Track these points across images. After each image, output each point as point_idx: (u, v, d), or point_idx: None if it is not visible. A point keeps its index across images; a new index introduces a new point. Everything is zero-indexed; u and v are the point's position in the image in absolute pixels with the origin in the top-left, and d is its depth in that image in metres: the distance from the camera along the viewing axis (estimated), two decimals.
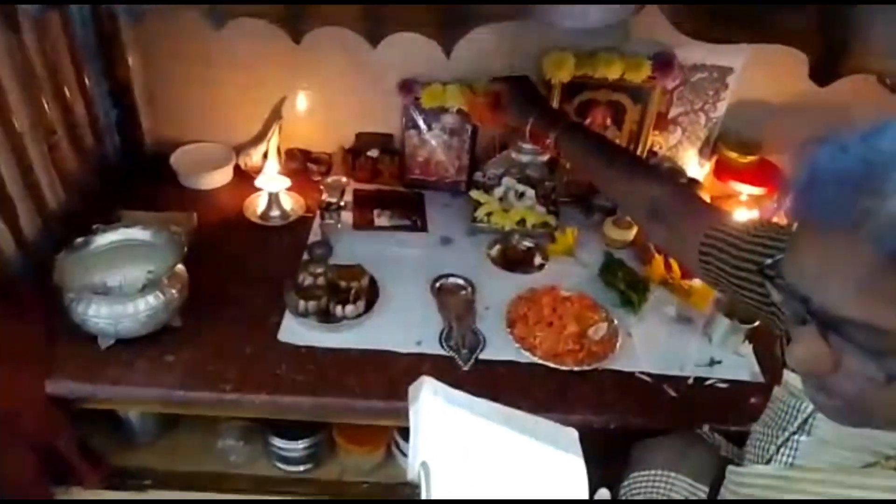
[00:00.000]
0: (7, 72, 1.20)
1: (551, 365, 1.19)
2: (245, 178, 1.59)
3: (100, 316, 1.10)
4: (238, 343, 1.20)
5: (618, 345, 1.24)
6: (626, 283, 1.39)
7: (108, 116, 1.60)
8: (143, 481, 1.31)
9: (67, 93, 1.38)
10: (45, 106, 1.30)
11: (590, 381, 1.19)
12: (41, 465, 1.11)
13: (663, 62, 1.47)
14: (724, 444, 1.02)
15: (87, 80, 1.47)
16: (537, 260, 1.46)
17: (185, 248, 1.19)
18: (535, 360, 1.20)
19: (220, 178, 1.60)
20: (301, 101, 1.61)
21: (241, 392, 1.13)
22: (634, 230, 1.52)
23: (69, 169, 1.42)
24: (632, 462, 1.05)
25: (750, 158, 1.57)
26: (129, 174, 1.61)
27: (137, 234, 1.21)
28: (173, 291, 1.16)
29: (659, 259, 1.45)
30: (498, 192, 1.52)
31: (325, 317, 1.22)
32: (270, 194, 1.49)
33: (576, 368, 1.20)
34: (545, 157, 1.46)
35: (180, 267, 1.21)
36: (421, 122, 1.53)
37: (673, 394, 1.19)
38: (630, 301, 1.36)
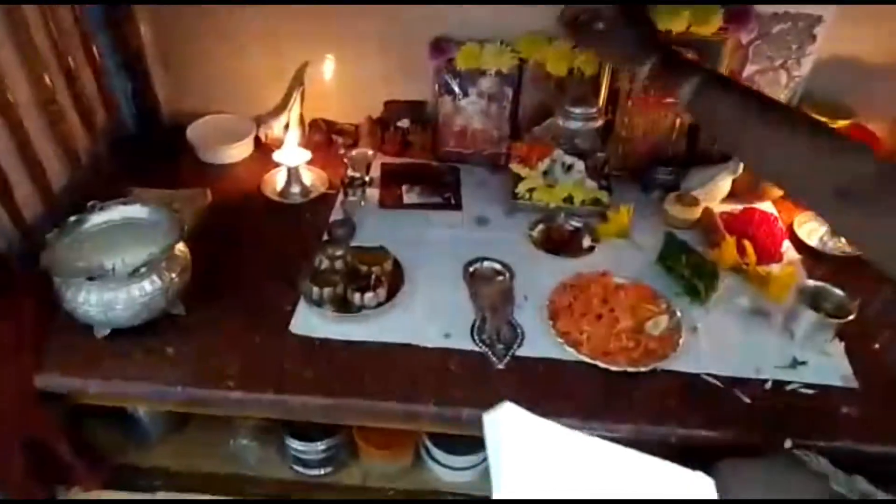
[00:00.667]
0: (6, 42, 1.10)
1: (600, 364, 1.03)
2: (266, 152, 1.47)
3: (90, 303, 0.99)
4: (246, 334, 1.09)
5: (680, 342, 1.07)
6: (691, 270, 1.21)
7: (122, 88, 1.50)
8: (153, 482, 1.22)
9: (72, 63, 1.28)
10: (46, 78, 1.19)
11: (646, 385, 1.02)
12: (33, 463, 1.02)
13: (738, 11, 1.27)
14: (832, 474, 0.82)
15: (95, 50, 1.36)
16: (586, 242, 1.29)
17: (185, 228, 1.07)
18: (582, 358, 1.04)
19: (238, 151, 1.50)
20: (325, 68, 1.49)
21: (246, 390, 1.00)
22: (701, 208, 1.33)
23: (76, 144, 1.32)
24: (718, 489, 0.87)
25: (840, 124, 1.34)
26: (145, 148, 1.52)
27: (136, 212, 1.10)
28: (172, 275, 1.05)
29: (731, 241, 1.25)
30: (542, 164, 1.34)
31: (343, 306, 1.11)
32: (290, 169, 1.37)
33: (630, 369, 1.03)
34: (598, 124, 1.28)
35: (181, 248, 1.10)
36: (456, 88, 1.41)
37: (747, 400, 1.01)
38: (696, 290, 1.18)
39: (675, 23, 1.27)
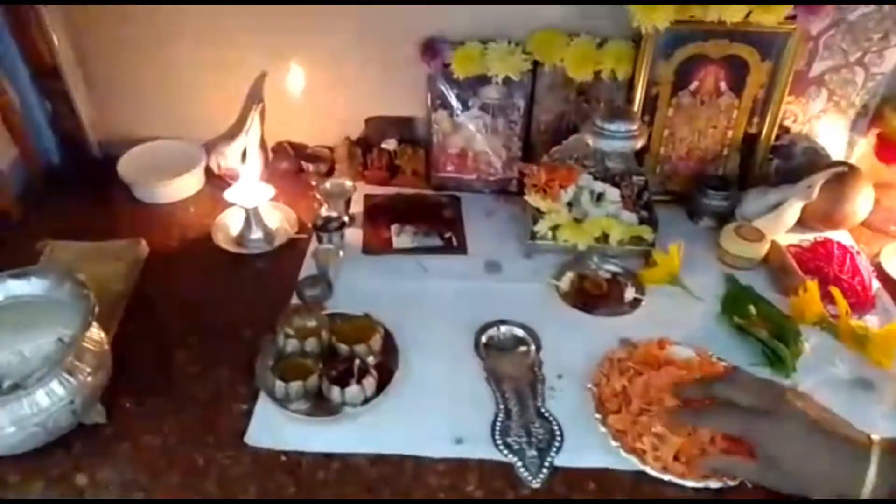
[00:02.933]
0: None
1: (681, 482, 0.75)
2: (218, 186, 1.22)
3: None
4: (184, 451, 0.82)
5: None
6: (767, 328, 0.95)
7: (36, 113, 1.21)
8: None
9: None
10: None
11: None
12: None
13: None
14: None
15: None
16: (629, 294, 1.03)
17: (95, 309, 0.79)
18: (649, 470, 0.76)
19: (184, 186, 1.23)
20: (290, 78, 1.23)
21: None
22: (766, 243, 1.06)
23: None
24: None
25: None
26: (68, 187, 1.26)
27: (29, 288, 0.82)
28: (83, 376, 0.78)
29: (813, 286, 0.99)
30: (566, 193, 1.07)
31: (318, 404, 0.85)
32: (248, 211, 1.08)
33: (713, 484, 0.75)
34: (638, 144, 1.02)
35: (97, 334, 0.82)
36: (453, 99, 1.17)
37: None
38: (778, 357, 0.92)
39: (732, 11, 1.02)
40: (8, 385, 0.70)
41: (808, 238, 1.13)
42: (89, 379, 0.78)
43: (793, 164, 1.19)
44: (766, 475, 0.71)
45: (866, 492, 0.64)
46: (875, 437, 0.68)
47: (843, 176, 1.10)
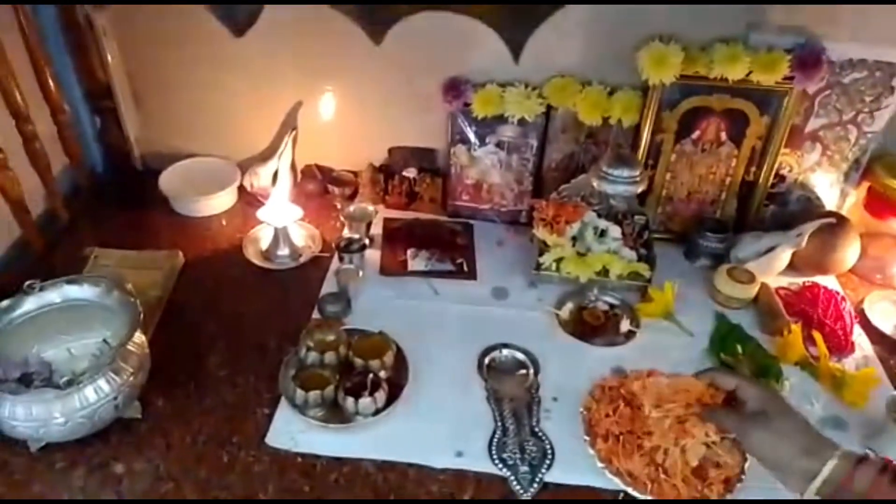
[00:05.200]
0: None
1: (652, 499, 0.82)
2: (251, 203, 1.31)
3: (16, 418, 0.79)
4: (211, 447, 0.90)
5: (746, 466, 0.85)
6: (750, 366, 1.02)
7: (85, 127, 1.31)
8: None
9: (20, 98, 1.08)
10: None
11: None
12: None
13: (807, 57, 1.08)
14: None
15: (51, 82, 1.16)
16: (624, 325, 1.10)
17: (141, 316, 0.87)
18: (630, 490, 0.83)
19: (219, 202, 1.32)
20: (322, 106, 1.31)
21: None
22: (757, 285, 1.13)
23: (20, 194, 1.11)
24: None
25: None
26: (112, 198, 1.35)
27: (82, 293, 0.91)
28: (125, 377, 0.85)
29: (797, 330, 1.05)
30: (571, 229, 1.15)
31: (333, 412, 0.93)
32: (277, 229, 1.17)
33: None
34: (639, 189, 1.09)
35: (138, 339, 0.89)
36: (471, 135, 1.25)
37: None
38: None
39: (734, 69, 1.09)
40: (64, 380, 0.78)
41: (797, 282, 1.20)
42: (131, 378, 0.87)
43: (787, 210, 1.26)
44: (748, 431, 0.76)
45: (814, 486, 0.70)
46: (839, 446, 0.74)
47: (834, 226, 1.16)
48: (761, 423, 0.76)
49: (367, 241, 1.19)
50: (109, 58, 1.25)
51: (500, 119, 1.21)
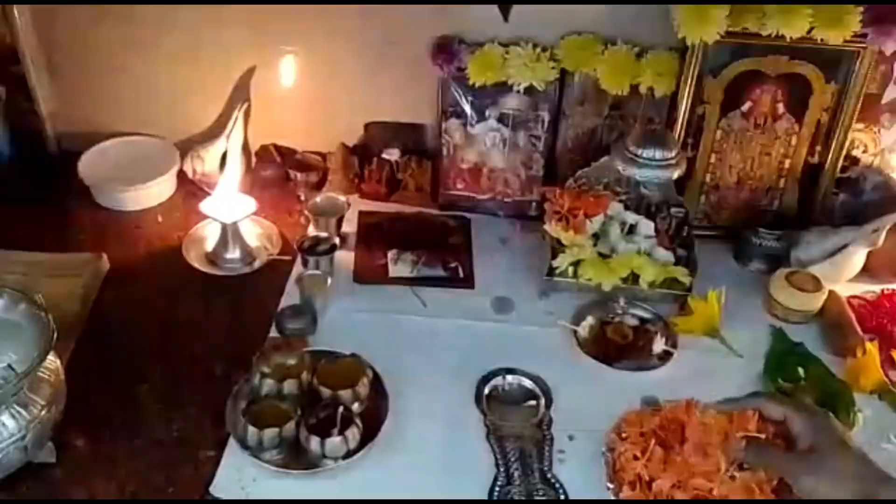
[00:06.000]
0: None
1: None
2: (193, 193, 1.33)
3: None
4: (142, 499, 0.90)
5: None
6: (815, 394, 1.04)
7: None
8: None
9: None
10: None
11: None
12: None
13: (884, 8, 1.08)
14: None
15: None
16: (658, 346, 1.11)
17: (55, 336, 0.87)
18: None
19: (154, 193, 1.34)
20: (281, 74, 1.34)
21: None
22: (823, 294, 1.16)
23: None
24: None
25: None
26: (20, 187, 1.36)
27: None
28: (36, 409, 0.86)
29: (873, 349, 1.06)
30: (592, 224, 1.17)
31: (294, 454, 0.94)
32: (226, 226, 1.18)
33: None
34: (675, 174, 1.11)
35: (52, 362, 0.91)
36: (467, 107, 1.27)
37: None
38: None
39: (793, 25, 1.10)
40: None
41: (873, 290, 1.21)
42: (43, 413, 0.87)
43: (861, 200, 1.28)
44: (798, 475, 0.77)
45: None
46: None
47: None
48: (813, 463, 0.76)
49: (337, 241, 1.20)
50: (17, 14, 1.26)
51: (503, 87, 1.23)
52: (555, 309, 1.16)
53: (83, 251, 1.19)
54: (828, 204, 1.27)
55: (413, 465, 0.94)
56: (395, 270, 1.21)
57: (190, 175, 1.34)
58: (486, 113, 1.26)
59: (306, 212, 1.25)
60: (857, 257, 1.18)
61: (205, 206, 1.19)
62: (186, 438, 0.96)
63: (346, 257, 1.22)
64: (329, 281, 1.15)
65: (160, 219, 1.30)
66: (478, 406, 1.01)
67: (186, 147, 1.35)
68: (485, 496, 0.91)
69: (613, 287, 1.15)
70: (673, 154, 1.10)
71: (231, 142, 1.31)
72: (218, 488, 0.90)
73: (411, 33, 1.23)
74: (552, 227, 1.17)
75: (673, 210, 1.20)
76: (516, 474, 0.93)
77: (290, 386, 0.96)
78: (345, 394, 0.96)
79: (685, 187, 1.25)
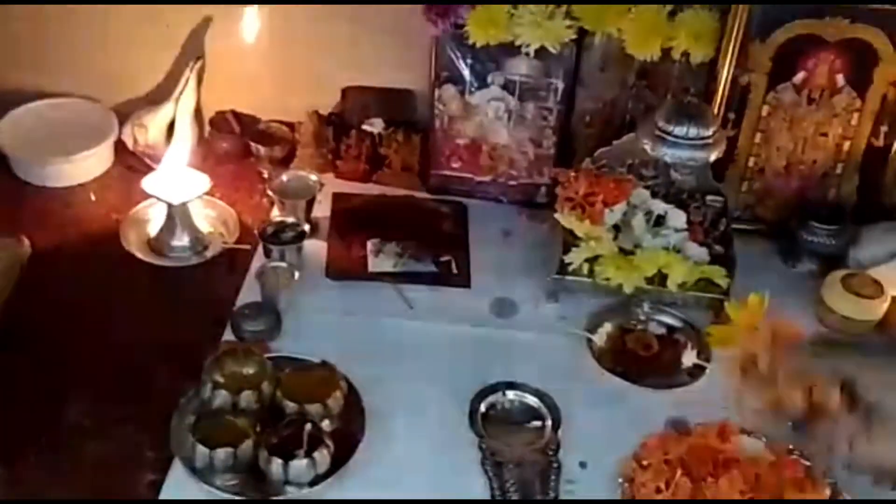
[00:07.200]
0: None
1: None
2: (134, 168, 1.36)
3: None
4: None
5: None
6: None
7: None
8: None
9: None
10: None
11: None
12: None
13: None
14: None
15: None
16: (688, 359, 1.15)
17: None
18: None
19: (86, 166, 1.36)
20: (242, 27, 1.36)
21: None
22: (886, 301, 1.19)
23: None
24: None
25: None
26: None
27: None
28: None
29: None
30: (612, 213, 1.19)
31: (251, 479, 0.95)
32: (172, 207, 1.21)
33: None
34: (713, 155, 1.15)
35: None
36: (466, 72, 1.29)
37: None
38: None
39: None
40: None
41: None
42: None
43: None
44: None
45: None
46: None
47: None
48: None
49: (306, 228, 1.23)
50: None
51: (510, 48, 1.25)
52: (566, 313, 1.19)
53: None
54: (894, 196, 1.30)
55: (392, 494, 0.96)
56: (375, 264, 1.24)
57: (130, 146, 1.36)
58: (488, 79, 1.28)
59: (270, 192, 1.27)
60: None
61: (147, 183, 1.21)
62: (123, 460, 0.98)
63: (316, 247, 1.25)
64: (296, 275, 1.17)
65: (93, 197, 1.33)
66: (472, 427, 1.04)
67: (126, 112, 1.37)
68: None
69: (636, 289, 1.18)
70: (710, 132, 1.12)
71: (180, 107, 1.33)
72: None
73: None
74: (564, 217, 1.19)
75: (709, 199, 1.22)
76: None
77: (247, 398, 0.98)
78: (313, 408, 0.98)
79: (724, 172, 1.27)
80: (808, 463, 1.01)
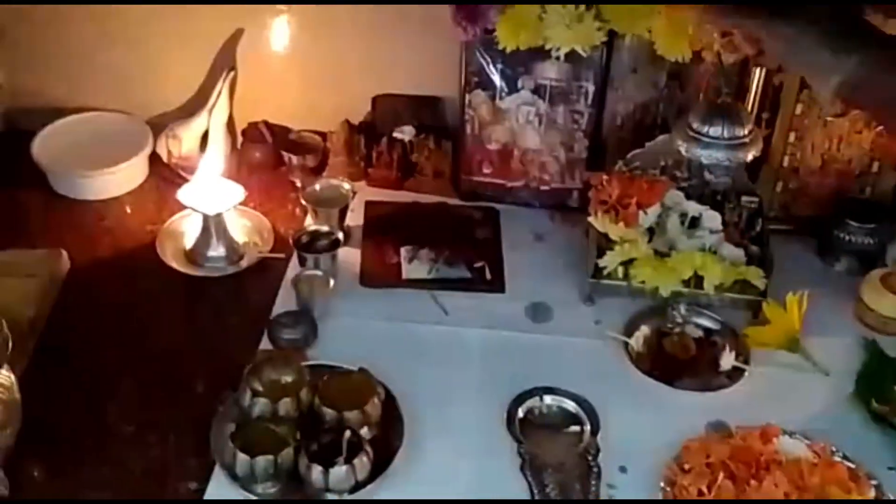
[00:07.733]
0: None
1: None
2: (169, 180, 1.37)
3: None
4: None
5: None
6: None
7: None
8: None
9: None
10: None
11: None
12: None
13: None
14: None
15: None
16: (727, 361, 1.14)
17: (9, 345, 0.92)
18: None
19: (122, 179, 1.37)
20: (273, 38, 1.38)
21: None
22: None
23: None
24: None
25: None
26: None
27: None
28: None
29: None
30: (647, 216, 1.19)
31: (292, 487, 0.96)
32: (208, 218, 1.21)
33: None
34: (748, 155, 1.14)
35: (5, 377, 0.94)
36: (496, 77, 1.29)
37: None
38: None
39: None
40: None
41: None
42: None
43: None
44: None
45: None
46: None
47: None
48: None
49: (340, 236, 1.23)
50: None
51: (540, 53, 1.24)
52: (602, 317, 1.19)
53: (39, 247, 1.22)
54: None
55: (432, 500, 0.96)
56: (409, 271, 1.24)
57: (164, 158, 1.37)
58: (519, 83, 1.28)
59: (303, 201, 1.27)
60: None
61: (182, 194, 1.22)
62: (164, 467, 0.98)
63: (350, 255, 1.25)
64: (331, 283, 1.18)
65: (129, 210, 1.34)
66: (510, 432, 1.03)
67: (160, 125, 1.38)
68: None
69: (672, 291, 1.17)
70: (745, 132, 1.11)
71: (213, 118, 1.34)
72: None
73: None
74: (598, 220, 1.19)
75: (744, 199, 1.21)
76: None
77: (286, 406, 0.98)
78: (352, 416, 0.97)
79: (759, 172, 1.27)
80: (851, 464, 1.00)
